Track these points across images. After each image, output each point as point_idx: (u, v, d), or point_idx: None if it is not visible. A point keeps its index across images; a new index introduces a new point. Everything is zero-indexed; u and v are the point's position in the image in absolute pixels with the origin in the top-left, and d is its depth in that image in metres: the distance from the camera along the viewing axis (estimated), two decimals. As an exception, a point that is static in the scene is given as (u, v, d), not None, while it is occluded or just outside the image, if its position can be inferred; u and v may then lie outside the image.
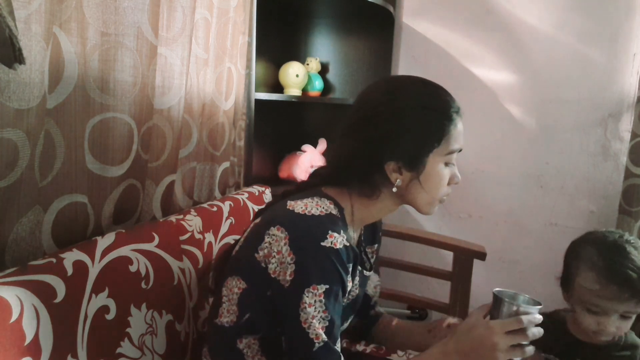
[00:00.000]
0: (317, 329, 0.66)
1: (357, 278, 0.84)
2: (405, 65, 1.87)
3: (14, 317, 0.57)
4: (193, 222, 0.96)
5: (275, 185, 1.63)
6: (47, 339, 0.60)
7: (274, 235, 0.69)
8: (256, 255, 0.70)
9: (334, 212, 0.73)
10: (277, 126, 1.79)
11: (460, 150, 0.77)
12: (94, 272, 0.70)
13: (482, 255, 1.25)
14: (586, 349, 0.87)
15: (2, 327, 0.55)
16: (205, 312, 0.95)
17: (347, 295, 0.74)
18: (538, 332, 0.69)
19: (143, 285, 0.79)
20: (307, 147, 1.70)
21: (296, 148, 1.75)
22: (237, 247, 0.77)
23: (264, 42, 1.49)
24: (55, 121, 0.73)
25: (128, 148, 0.87)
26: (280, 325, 0.70)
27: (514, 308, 0.71)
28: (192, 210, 1.01)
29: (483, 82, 1.80)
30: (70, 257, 0.68)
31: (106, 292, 0.71)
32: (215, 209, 1.06)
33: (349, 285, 0.72)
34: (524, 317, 0.68)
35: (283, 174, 1.78)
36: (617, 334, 0.84)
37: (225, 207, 1.10)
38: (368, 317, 1.01)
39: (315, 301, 0.66)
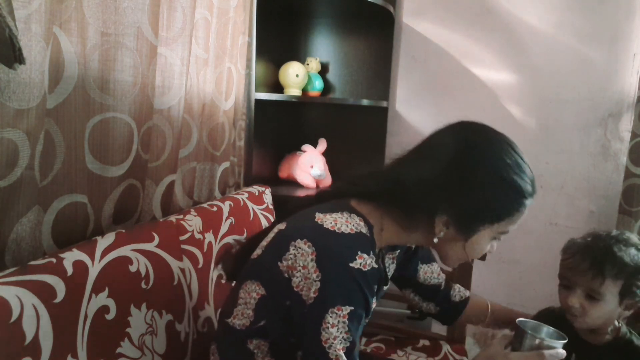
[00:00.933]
0: (338, 349, 0.64)
1: (381, 292, 0.83)
2: (405, 65, 1.87)
3: (14, 317, 0.57)
4: (193, 222, 0.96)
5: (275, 185, 1.63)
6: (47, 339, 0.60)
7: (300, 248, 0.66)
8: (279, 264, 0.68)
9: (364, 230, 0.70)
10: (277, 126, 1.79)
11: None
12: (94, 272, 0.70)
13: (482, 255, 1.25)
14: (581, 347, 0.87)
15: (2, 327, 0.55)
16: (205, 312, 0.95)
17: (369, 315, 0.73)
18: None
19: (143, 285, 0.79)
20: (307, 147, 1.70)
21: (296, 148, 1.75)
22: (258, 251, 0.74)
23: (264, 42, 1.49)
24: (55, 121, 0.73)
25: (128, 148, 0.87)
26: (294, 335, 0.68)
27: (537, 341, 0.69)
28: (192, 210, 1.01)
29: (483, 82, 1.80)
30: (70, 257, 0.68)
31: (106, 292, 0.71)
32: (215, 209, 1.06)
33: (373, 305, 0.72)
34: (547, 352, 0.66)
35: (283, 174, 1.78)
36: (583, 314, 0.83)
37: (225, 207, 1.10)
38: (452, 303, 1.00)
39: (339, 322, 0.64)
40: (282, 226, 0.74)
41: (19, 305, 0.57)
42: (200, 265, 0.95)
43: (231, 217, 1.10)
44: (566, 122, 1.74)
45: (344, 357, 0.65)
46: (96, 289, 0.70)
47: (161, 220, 0.92)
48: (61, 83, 0.74)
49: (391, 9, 1.66)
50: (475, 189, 0.69)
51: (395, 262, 0.90)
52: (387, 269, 0.88)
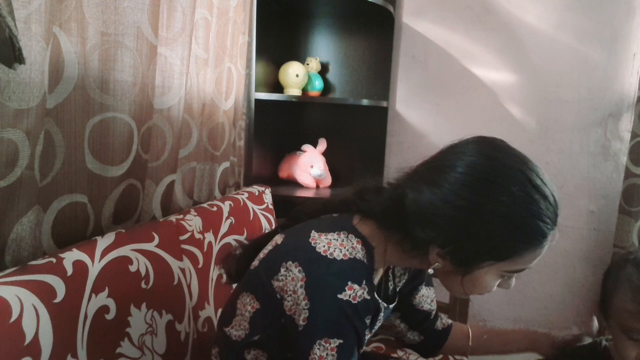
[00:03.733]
0: None
1: (377, 320, 0.77)
2: (405, 65, 1.87)
3: (14, 317, 0.57)
4: (193, 222, 0.96)
5: (275, 185, 1.63)
6: (47, 339, 0.60)
7: (291, 271, 0.64)
8: (273, 282, 0.66)
9: (359, 255, 0.65)
10: (277, 126, 1.79)
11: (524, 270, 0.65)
12: (94, 272, 0.70)
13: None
14: None
15: (2, 327, 0.55)
16: (205, 312, 0.95)
17: (362, 347, 0.68)
18: None
19: (143, 285, 0.79)
20: (307, 147, 1.70)
21: (296, 148, 1.75)
22: (256, 262, 0.72)
23: (264, 42, 1.49)
24: (55, 121, 0.73)
25: (128, 148, 0.87)
26: (290, 350, 0.67)
27: None
28: (192, 210, 1.01)
29: (483, 82, 1.80)
30: (70, 257, 0.68)
31: (106, 292, 0.71)
32: (215, 208, 1.06)
33: (367, 336, 0.67)
34: None
35: (283, 174, 1.78)
36: None
37: (225, 207, 1.10)
38: (435, 332, 0.93)
39: (327, 354, 0.61)
40: (279, 239, 0.72)
41: (19, 305, 0.57)
42: (200, 265, 0.95)
43: (231, 217, 1.10)
44: (566, 122, 1.74)
45: None
46: (96, 289, 0.69)
47: (161, 220, 0.92)
48: (61, 83, 0.73)
49: (391, 9, 1.66)
50: (477, 223, 0.60)
51: (407, 273, 0.86)
52: (398, 281, 0.85)
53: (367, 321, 0.65)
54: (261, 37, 1.42)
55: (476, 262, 0.63)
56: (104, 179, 0.83)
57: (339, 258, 0.63)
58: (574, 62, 1.70)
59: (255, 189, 1.30)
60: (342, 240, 0.66)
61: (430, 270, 0.67)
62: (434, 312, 0.92)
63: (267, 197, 1.32)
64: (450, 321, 0.95)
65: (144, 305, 0.78)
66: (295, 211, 0.80)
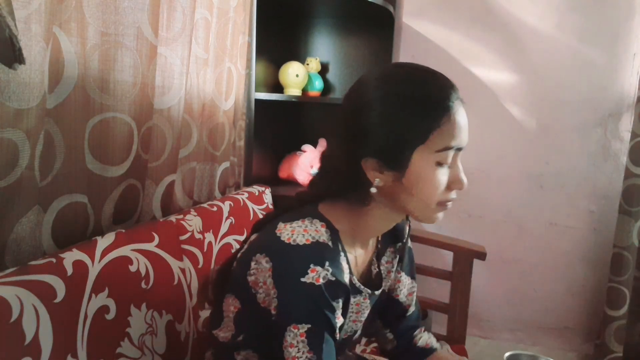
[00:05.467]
0: None
1: (359, 299, 0.76)
2: (405, 65, 1.87)
3: (14, 317, 0.57)
4: (193, 222, 0.96)
5: (275, 185, 1.63)
6: (47, 339, 0.60)
7: (260, 263, 0.65)
8: (247, 278, 0.67)
9: (323, 238, 0.65)
10: (277, 126, 1.79)
11: (460, 149, 0.66)
12: (94, 272, 0.70)
13: (482, 255, 1.25)
14: None
15: (2, 327, 0.55)
16: (205, 312, 0.95)
17: (335, 330, 0.68)
18: None
19: (143, 285, 0.79)
20: (307, 147, 1.70)
21: (296, 148, 1.75)
22: (235, 264, 0.73)
23: (264, 42, 1.49)
24: (55, 121, 0.73)
25: (128, 148, 0.87)
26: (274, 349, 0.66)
27: None
28: (192, 210, 1.01)
29: (483, 82, 1.80)
30: (70, 257, 0.68)
31: (106, 292, 0.71)
32: (215, 208, 1.06)
33: (339, 321, 0.65)
34: None
35: (283, 174, 1.78)
36: None
37: (225, 207, 1.10)
38: (405, 340, 0.89)
39: (297, 342, 0.61)
40: (254, 237, 0.72)
41: (19, 305, 0.57)
42: (200, 265, 0.95)
43: (231, 217, 1.10)
44: (566, 122, 1.74)
45: None
46: (96, 289, 0.69)
47: (161, 220, 0.92)
48: (61, 83, 0.73)
49: (391, 9, 1.66)
50: (384, 116, 0.63)
51: (397, 255, 0.86)
52: (391, 264, 0.84)
53: (337, 304, 0.64)
54: (261, 37, 1.42)
55: (404, 153, 0.63)
56: (104, 179, 0.83)
57: (301, 243, 0.63)
58: (574, 62, 1.70)
59: (255, 189, 1.30)
60: (306, 226, 0.66)
61: (373, 190, 0.66)
62: (410, 310, 0.89)
63: (267, 197, 1.32)
64: (435, 345, 0.90)
65: (144, 305, 0.78)
66: (272, 211, 0.80)
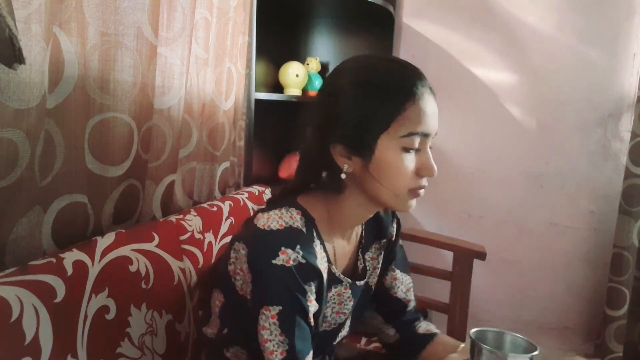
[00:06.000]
0: (270, 353, 0.63)
1: (340, 289, 0.77)
2: (405, 65, 1.87)
3: (14, 317, 0.57)
4: (193, 222, 0.96)
5: (276, 185, 1.63)
6: (47, 339, 0.60)
7: (238, 251, 0.67)
8: (228, 268, 0.68)
9: (297, 224, 0.67)
10: (277, 126, 1.79)
11: (426, 135, 0.66)
12: (93, 272, 0.70)
13: (482, 255, 1.25)
14: None
15: (2, 327, 0.55)
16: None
17: (320, 316, 0.69)
18: None
19: (143, 285, 0.79)
20: (307, 147, 1.70)
21: (296, 148, 1.75)
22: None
23: (264, 42, 1.49)
24: (55, 121, 0.73)
25: (128, 148, 0.87)
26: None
27: (488, 355, 0.56)
28: (192, 210, 1.01)
29: (483, 82, 1.80)
30: (70, 257, 0.68)
31: (106, 292, 0.71)
32: (215, 209, 1.06)
33: (311, 305, 0.66)
34: None
35: (283, 174, 1.78)
36: None
37: (225, 207, 1.10)
38: (408, 331, 0.90)
39: (269, 324, 0.62)
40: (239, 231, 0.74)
41: (19, 305, 0.57)
42: (200, 265, 0.95)
43: (231, 217, 1.10)
44: (566, 122, 1.74)
45: None
46: (96, 289, 0.69)
47: (161, 220, 0.92)
48: (61, 83, 0.73)
49: (391, 9, 1.66)
50: (350, 103, 0.65)
51: (382, 251, 0.86)
52: (377, 260, 0.85)
53: (309, 287, 0.65)
54: (261, 37, 1.42)
55: (369, 140, 0.65)
56: (104, 179, 0.83)
57: (275, 228, 0.65)
58: (574, 62, 1.70)
59: (255, 189, 1.30)
60: (282, 214, 0.67)
61: (343, 175, 0.68)
62: (410, 305, 0.90)
63: (267, 197, 1.32)
64: (436, 330, 0.91)
65: (144, 305, 0.78)
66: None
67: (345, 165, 0.67)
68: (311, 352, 0.66)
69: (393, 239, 0.89)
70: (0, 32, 0.52)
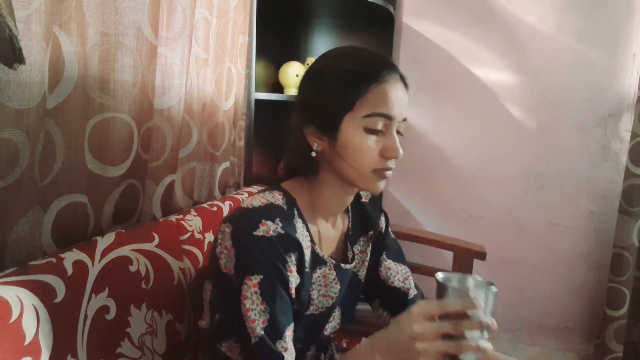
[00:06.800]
0: (252, 322, 0.64)
1: (325, 270, 0.78)
2: (405, 65, 1.87)
3: (14, 317, 0.57)
4: (193, 222, 0.96)
5: (275, 185, 1.63)
6: (47, 339, 0.60)
7: (224, 231, 0.69)
8: (216, 250, 0.71)
9: (279, 202, 0.71)
10: (277, 126, 1.79)
11: (389, 117, 0.68)
12: (94, 272, 0.70)
13: (482, 255, 1.25)
14: None
15: (2, 327, 0.55)
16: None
17: (302, 292, 0.70)
18: (481, 320, 0.55)
19: (143, 285, 0.79)
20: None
21: (296, 148, 1.75)
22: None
23: (264, 42, 1.49)
24: (55, 121, 0.73)
25: (128, 148, 0.87)
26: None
27: (453, 293, 0.57)
28: (192, 210, 1.01)
29: (483, 82, 1.80)
30: (70, 257, 0.68)
31: (106, 292, 0.71)
32: (215, 208, 1.06)
33: (292, 276, 0.68)
34: (454, 300, 0.56)
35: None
36: None
37: (225, 207, 1.10)
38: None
39: (251, 294, 0.64)
40: None
41: (19, 305, 0.57)
42: (200, 265, 0.95)
43: (231, 217, 1.10)
44: (566, 122, 1.74)
45: (259, 331, 0.64)
46: (96, 289, 0.69)
47: (161, 220, 0.92)
48: (61, 83, 0.73)
49: (391, 9, 1.66)
50: (318, 87, 0.71)
51: (370, 244, 0.89)
52: (365, 253, 0.88)
53: (290, 258, 0.68)
54: (261, 37, 1.42)
55: (335, 120, 0.69)
56: (104, 179, 0.83)
57: (256, 205, 0.69)
58: (574, 62, 1.70)
59: (255, 189, 1.30)
60: (265, 194, 0.72)
61: (313, 154, 0.73)
62: (411, 294, 0.90)
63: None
64: None
65: (144, 306, 0.78)
66: None
67: (315, 144, 0.72)
68: (292, 325, 0.68)
69: (382, 231, 0.92)
70: (0, 32, 0.52)
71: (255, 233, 0.65)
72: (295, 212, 0.72)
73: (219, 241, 0.70)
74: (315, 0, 1.64)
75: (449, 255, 1.28)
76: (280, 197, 0.72)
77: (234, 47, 1.26)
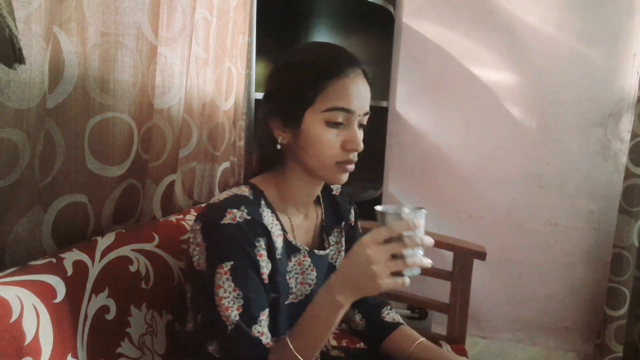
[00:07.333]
0: (226, 310, 0.65)
1: (300, 258, 0.79)
2: (405, 65, 1.87)
3: (14, 317, 0.57)
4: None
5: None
6: (47, 339, 0.60)
7: (194, 230, 0.71)
8: (189, 250, 0.72)
9: (245, 194, 0.73)
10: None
11: (349, 111, 0.70)
12: (94, 272, 0.70)
13: (482, 255, 1.25)
14: None
15: (2, 327, 0.55)
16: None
17: (277, 276, 0.72)
18: (418, 238, 0.61)
19: (143, 285, 0.79)
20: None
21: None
22: None
23: (264, 42, 1.49)
24: (55, 121, 0.73)
25: (128, 148, 0.87)
26: None
27: (391, 218, 0.63)
28: (192, 210, 1.01)
29: (483, 82, 1.80)
30: (71, 257, 0.68)
31: (106, 292, 0.71)
32: (215, 209, 1.06)
33: (262, 260, 0.69)
34: (395, 223, 0.62)
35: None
36: None
37: (225, 207, 1.09)
38: (374, 316, 0.94)
39: (223, 282, 0.66)
40: None
41: (19, 305, 0.57)
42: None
43: (231, 217, 1.09)
44: (566, 122, 1.74)
45: (234, 317, 0.65)
46: (96, 289, 0.70)
47: (161, 220, 0.92)
48: (61, 83, 0.73)
49: (391, 9, 1.66)
50: (282, 81, 0.74)
51: (344, 234, 0.91)
52: (340, 244, 0.90)
53: (258, 243, 0.69)
54: (261, 37, 1.42)
55: (297, 112, 0.72)
56: (104, 179, 0.83)
57: (222, 199, 0.71)
58: (574, 62, 1.70)
59: (255, 189, 1.30)
60: (232, 189, 0.75)
61: (278, 146, 0.75)
62: None
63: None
64: (401, 321, 0.95)
65: (144, 305, 0.78)
66: None
67: (279, 137, 0.74)
68: (267, 310, 0.69)
69: (352, 225, 0.94)
70: (0, 32, 0.52)
71: (222, 222, 0.67)
72: (262, 202, 0.74)
73: (191, 240, 0.72)
74: (315, 0, 1.64)
75: (449, 255, 1.28)
76: (246, 189, 0.74)
77: (234, 47, 1.26)
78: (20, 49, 0.54)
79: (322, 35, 1.88)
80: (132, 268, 0.77)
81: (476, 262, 1.25)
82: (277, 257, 0.73)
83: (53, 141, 0.74)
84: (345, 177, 0.76)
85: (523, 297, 1.88)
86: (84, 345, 0.66)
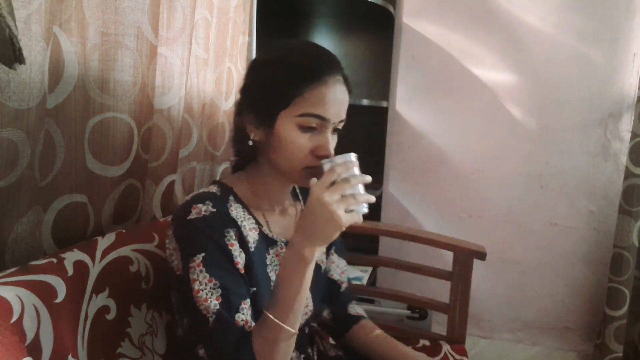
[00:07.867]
0: (204, 301, 0.65)
1: (277, 250, 0.79)
2: (405, 65, 1.87)
3: (15, 317, 0.57)
4: (193, 222, 0.96)
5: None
6: (48, 339, 0.60)
7: (168, 235, 0.73)
8: (166, 255, 0.73)
9: (211, 191, 0.73)
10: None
11: (323, 119, 0.70)
12: (94, 272, 0.70)
13: (482, 255, 1.25)
14: None
15: (3, 327, 0.55)
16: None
17: (254, 268, 0.72)
18: (359, 175, 0.65)
19: (143, 285, 0.79)
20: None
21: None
22: None
23: (264, 42, 1.49)
24: (55, 121, 0.73)
25: (128, 148, 0.87)
26: None
27: (328, 165, 0.67)
28: (192, 210, 1.01)
29: (483, 82, 1.80)
30: (71, 257, 0.68)
31: (106, 292, 0.71)
32: (215, 209, 1.06)
33: (234, 249, 0.70)
34: (337, 166, 0.65)
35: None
36: None
37: (226, 207, 1.09)
38: (340, 310, 0.96)
39: (197, 274, 0.66)
40: None
41: (20, 305, 0.57)
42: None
43: (231, 217, 1.10)
44: (566, 122, 1.74)
45: (214, 307, 0.65)
46: (96, 289, 0.70)
47: (161, 220, 0.92)
48: (61, 83, 0.73)
49: (391, 9, 1.66)
50: (260, 78, 0.73)
51: None
52: None
53: (228, 234, 0.69)
54: (261, 37, 1.42)
55: (271, 112, 0.71)
56: (104, 179, 0.83)
57: (188, 199, 0.72)
58: (574, 62, 1.70)
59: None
60: (202, 190, 0.75)
61: (250, 142, 0.74)
62: (343, 287, 0.97)
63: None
64: (364, 315, 0.98)
65: (144, 306, 0.78)
66: None
67: (252, 133, 0.74)
68: (248, 300, 0.69)
69: None
70: (0, 32, 0.52)
71: (188, 218, 0.68)
72: (231, 198, 0.75)
73: (167, 245, 0.72)
74: (315, 0, 1.64)
75: (448, 255, 1.28)
76: (214, 187, 0.75)
77: (234, 47, 1.25)
78: (20, 49, 0.54)
79: (322, 35, 1.88)
80: (133, 268, 0.77)
81: (476, 262, 1.25)
82: (251, 249, 0.74)
83: (53, 141, 0.74)
84: (315, 182, 0.74)
85: (523, 297, 1.88)
86: (84, 345, 0.66)
